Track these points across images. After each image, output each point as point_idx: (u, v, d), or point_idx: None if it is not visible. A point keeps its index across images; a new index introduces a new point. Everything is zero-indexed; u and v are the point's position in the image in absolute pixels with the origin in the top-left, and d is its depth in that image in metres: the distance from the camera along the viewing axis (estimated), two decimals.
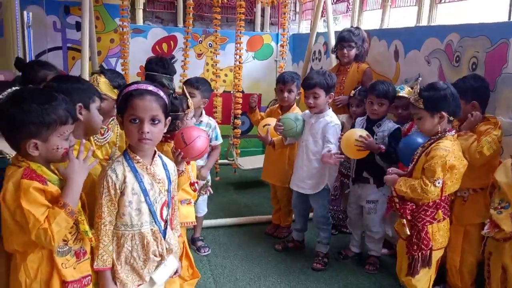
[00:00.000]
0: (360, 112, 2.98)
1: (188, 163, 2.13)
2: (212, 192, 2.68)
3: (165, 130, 1.58)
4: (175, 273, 1.74)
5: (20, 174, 1.34)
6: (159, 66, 2.97)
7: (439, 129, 2.06)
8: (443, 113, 2.06)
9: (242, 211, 3.69)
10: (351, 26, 3.60)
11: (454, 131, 2.11)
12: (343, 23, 4.87)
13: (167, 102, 1.57)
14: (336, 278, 2.74)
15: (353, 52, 3.32)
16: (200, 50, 5.20)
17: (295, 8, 5.69)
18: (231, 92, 4.76)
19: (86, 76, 3.46)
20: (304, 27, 5.58)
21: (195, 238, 3.04)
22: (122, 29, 4.13)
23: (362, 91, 3.00)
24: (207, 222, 3.31)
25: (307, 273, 2.78)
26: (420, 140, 2.27)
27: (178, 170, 1.79)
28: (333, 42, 3.98)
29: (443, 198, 2.13)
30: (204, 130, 2.22)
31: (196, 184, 2.24)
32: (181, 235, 2.20)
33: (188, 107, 2.07)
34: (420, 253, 2.12)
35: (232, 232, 3.30)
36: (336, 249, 3.05)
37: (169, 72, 3.00)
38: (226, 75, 5.37)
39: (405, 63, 3.23)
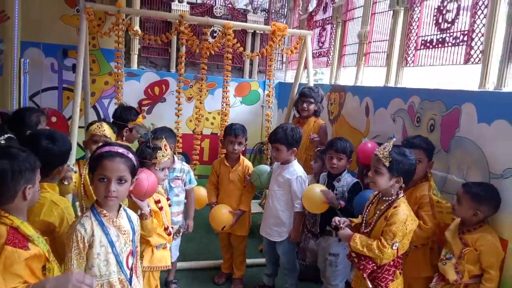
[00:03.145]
0: (317, 168, 3.20)
1: (161, 208, 2.30)
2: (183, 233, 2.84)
3: (131, 188, 1.76)
4: None
5: (4, 238, 1.47)
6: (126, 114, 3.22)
7: (392, 192, 2.19)
8: (401, 179, 2.18)
9: (220, 254, 3.76)
10: (313, 85, 3.96)
11: (402, 192, 2.24)
12: (327, 75, 5.17)
13: (135, 163, 1.75)
14: None
15: (312, 107, 3.69)
16: (191, 94, 5.46)
17: (282, 58, 6.01)
18: (218, 134, 4.97)
19: (77, 114, 3.66)
20: (290, 76, 5.89)
21: (169, 281, 3.14)
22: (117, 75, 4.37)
23: (320, 151, 3.23)
24: (183, 264, 3.42)
25: None
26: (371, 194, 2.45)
27: (142, 214, 1.96)
28: None
29: (399, 256, 2.27)
30: (148, 170, 2.25)
31: (170, 229, 2.41)
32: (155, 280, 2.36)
33: (156, 158, 2.25)
34: None
35: (208, 275, 3.39)
36: None
37: (125, 120, 3.20)
38: (214, 118, 5.62)
39: (374, 119, 3.46)
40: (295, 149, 2.92)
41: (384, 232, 2.14)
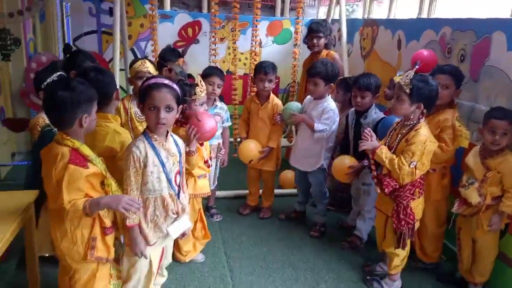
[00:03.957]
0: (341, 97, 3.31)
1: (201, 144, 2.51)
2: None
3: (177, 116, 1.96)
4: (183, 235, 2.12)
5: (68, 158, 1.72)
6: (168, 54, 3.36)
7: (412, 116, 2.31)
8: (422, 105, 2.29)
9: None
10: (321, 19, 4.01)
11: (424, 117, 2.34)
12: (360, 11, 5.08)
13: (179, 93, 1.94)
14: (330, 244, 3.11)
15: (322, 41, 3.79)
16: (223, 35, 5.52)
17: None
18: (249, 74, 5.09)
19: (117, 57, 3.86)
20: (322, 12, 5.80)
21: (209, 206, 3.47)
22: (152, 17, 4.49)
23: (342, 79, 3.36)
24: (222, 193, 3.73)
25: (305, 239, 3.17)
26: (395, 119, 2.56)
27: (190, 151, 2.20)
28: (344, 28, 4.23)
29: (421, 177, 2.43)
30: (212, 116, 2.53)
31: (210, 161, 2.64)
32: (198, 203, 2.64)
33: (195, 94, 2.41)
34: (407, 227, 2.42)
35: (243, 203, 3.65)
36: (333, 220, 3.43)
37: (165, 60, 3.32)
38: (246, 58, 5.68)
39: (406, 52, 3.46)
40: (332, 84, 3.00)
41: (404, 151, 2.28)
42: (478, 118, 2.65)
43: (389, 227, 2.53)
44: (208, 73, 3.13)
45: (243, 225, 3.34)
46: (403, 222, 2.40)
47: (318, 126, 2.96)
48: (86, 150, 1.79)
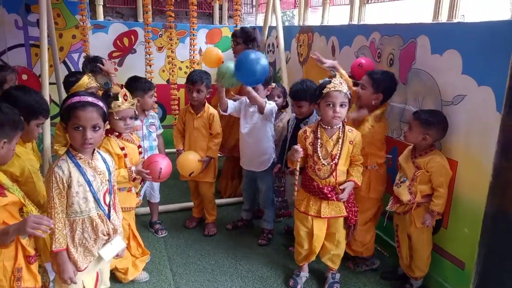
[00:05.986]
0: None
1: (125, 155, 2.42)
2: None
3: (103, 132, 1.87)
4: (117, 255, 2.04)
5: None
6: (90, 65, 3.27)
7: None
8: None
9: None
10: None
11: None
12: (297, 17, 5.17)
13: (105, 110, 1.85)
14: (278, 251, 3.11)
15: None
16: (161, 44, 5.41)
17: (252, 2, 5.94)
18: None
19: (46, 70, 3.64)
20: (260, 20, 5.85)
21: (153, 222, 3.35)
22: (82, 28, 4.30)
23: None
24: (167, 207, 3.62)
25: (252, 248, 3.14)
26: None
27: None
28: (281, 35, 4.27)
29: None
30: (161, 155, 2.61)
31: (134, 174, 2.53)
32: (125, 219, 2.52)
33: (110, 107, 2.28)
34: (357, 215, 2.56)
35: (188, 216, 3.56)
36: (281, 226, 3.43)
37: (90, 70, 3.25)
38: (187, 66, 5.60)
39: (340, 57, 3.56)
40: (270, 86, 3.06)
41: (356, 154, 2.47)
42: (407, 119, 2.76)
43: (336, 229, 2.55)
44: (148, 88, 3.04)
45: (189, 239, 3.25)
46: (356, 213, 2.54)
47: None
48: (2, 177, 1.66)
